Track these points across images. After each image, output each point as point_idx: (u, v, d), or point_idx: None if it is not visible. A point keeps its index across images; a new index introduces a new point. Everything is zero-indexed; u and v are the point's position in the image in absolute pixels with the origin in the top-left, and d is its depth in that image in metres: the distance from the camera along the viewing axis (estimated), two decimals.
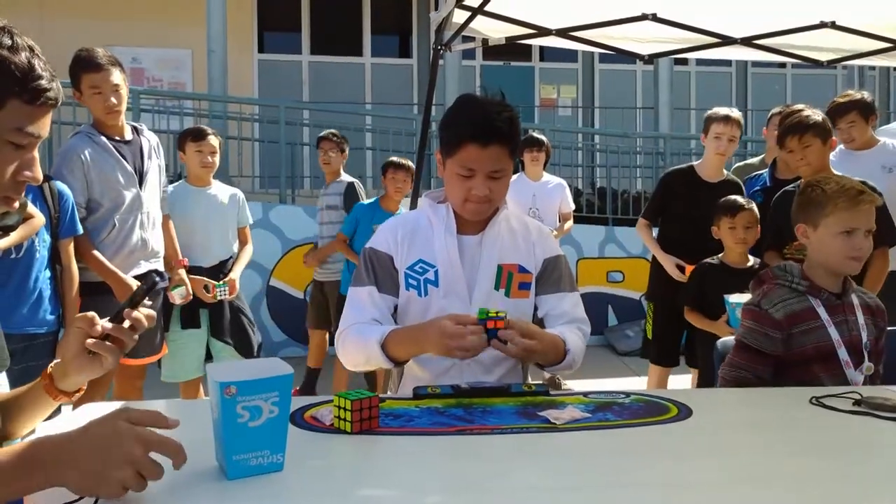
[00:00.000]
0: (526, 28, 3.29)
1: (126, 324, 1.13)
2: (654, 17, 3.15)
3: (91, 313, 1.14)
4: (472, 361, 1.62)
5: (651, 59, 3.65)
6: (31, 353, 2.41)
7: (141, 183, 2.85)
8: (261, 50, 9.64)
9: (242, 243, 3.47)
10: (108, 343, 1.12)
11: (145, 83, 8.85)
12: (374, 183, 7.05)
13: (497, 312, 1.45)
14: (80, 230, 2.66)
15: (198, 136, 3.30)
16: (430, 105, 3.36)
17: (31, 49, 0.98)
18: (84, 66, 2.66)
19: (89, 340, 1.11)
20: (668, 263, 3.40)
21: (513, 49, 8.13)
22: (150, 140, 2.95)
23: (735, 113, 3.41)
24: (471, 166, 1.60)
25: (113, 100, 2.69)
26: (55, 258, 2.60)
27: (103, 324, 1.12)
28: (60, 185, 2.61)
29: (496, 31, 3.21)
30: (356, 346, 1.63)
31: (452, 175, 1.63)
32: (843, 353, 1.73)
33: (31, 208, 2.44)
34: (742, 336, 1.81)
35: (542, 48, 9.58)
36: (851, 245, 1.77)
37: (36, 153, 1.04)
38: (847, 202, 1.78)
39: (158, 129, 6.53)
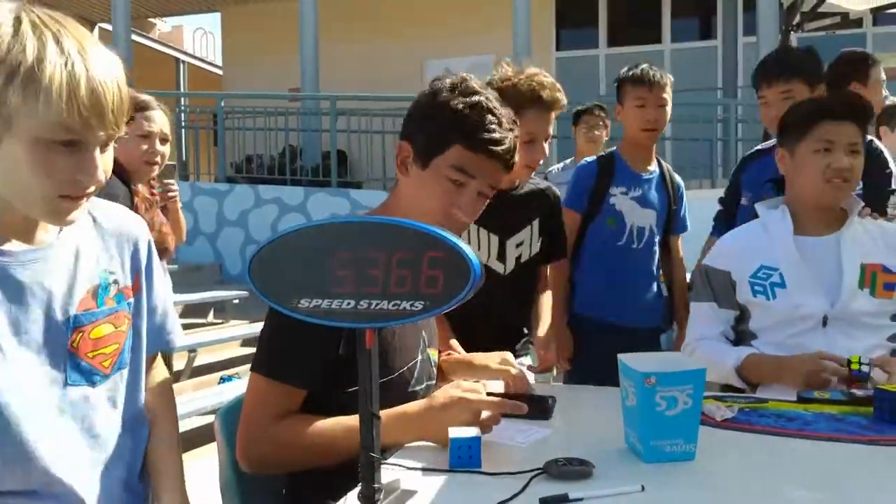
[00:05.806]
0: None
1: None
2: None
3: None
4: None
5: None
6: None
7: None
8: (558, 48, 9.86)
9: None
10: None
11: None
12: (690, 174, 6.78)
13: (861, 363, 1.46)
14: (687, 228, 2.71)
15: None
16: None
17: (481, 104, 1.22)
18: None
19: None
20: None
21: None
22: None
23: None
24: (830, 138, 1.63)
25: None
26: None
27: None
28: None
29: (859, 3, 2.89)
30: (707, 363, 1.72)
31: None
32: None
33: None
34: None
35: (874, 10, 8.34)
36: None
37: (472, 192, 1.24)
38: None
39: None
